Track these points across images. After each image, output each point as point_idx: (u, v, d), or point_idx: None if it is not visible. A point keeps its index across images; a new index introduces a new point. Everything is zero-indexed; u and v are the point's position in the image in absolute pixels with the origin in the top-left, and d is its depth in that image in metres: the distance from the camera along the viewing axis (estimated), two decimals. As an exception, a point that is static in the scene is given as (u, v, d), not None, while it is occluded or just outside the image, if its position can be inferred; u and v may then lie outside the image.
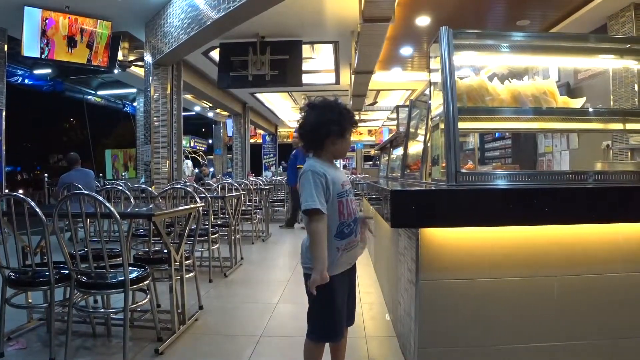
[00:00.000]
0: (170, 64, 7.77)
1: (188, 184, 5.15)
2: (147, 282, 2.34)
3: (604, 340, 1.87)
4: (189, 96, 12.14)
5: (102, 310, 2.71)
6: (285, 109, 15.45)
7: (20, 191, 13.07)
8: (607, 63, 2.86)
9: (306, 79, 8.27)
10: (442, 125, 1.99)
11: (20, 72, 10.43)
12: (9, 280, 2.28)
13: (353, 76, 7.98)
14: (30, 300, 2.60)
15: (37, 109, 21.95)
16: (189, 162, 14.17)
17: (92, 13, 7.18)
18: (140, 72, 8.89)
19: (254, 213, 5.83)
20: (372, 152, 18.04)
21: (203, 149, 20.09)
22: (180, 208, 2.86)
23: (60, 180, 5.53)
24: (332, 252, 1.65)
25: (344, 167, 18.61)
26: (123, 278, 2.16)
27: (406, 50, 7.66)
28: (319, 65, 9.24)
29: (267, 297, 3.45)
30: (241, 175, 14.00)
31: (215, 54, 8.25)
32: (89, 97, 13.17)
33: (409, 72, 9.15)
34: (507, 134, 7.39)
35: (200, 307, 3.03)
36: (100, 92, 13.17)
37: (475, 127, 2.42)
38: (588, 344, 1.86)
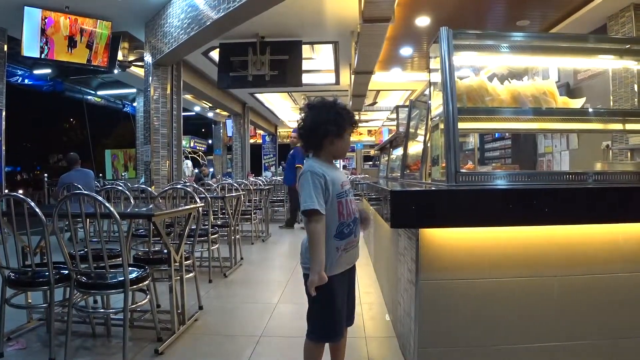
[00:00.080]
0: (170, 64, 7.78)
1: (188, 184, 5.14)
2: (146, 282, 2.34)
3: (604, 340, 1.87)
4: (188, 96, 12.14)
5: (102, 310, 2.71)
6: (285, 109, 15.46)
7: (20, 191, 13.10)
8: (606, 63, 2.85)
9: (306, 79, 8.28)
10: (441, 126, 1.99)
11: (20, 72, 10.43)
12: (8, 280, 2.28)
13: (353, 76, 7.98)
14: (30, 301, 2.60)
15: (37, 109, 22.00)
16: (189, 163, 14.18)
17: (92, 13, 7.18)
18: (140, 72, 8.89)
19: (254, 213, 5.82)
20: (372, 152, 18.00)
21: (203, 149, 20.09)
22: (180, 208, 2.86)
23: (60, 180, 5.54)
24: (331, 252, 1.66)
25: (344, 167, 18.60)
26: (123, 278, 2.16)
27: (406, 51, 7.66)
28: (318, 65, 9.25)
29: (266, 297, 3.45)
30: (241, 176, 14.00)
31: (215, 54, 8.25)
32: (89, 97, 13.17)
33: (408, 73, 9.15)
34: (507, 134, 7.39)
35: (200, 308, 3.03)
36: (100, 92, 13.16)
37: (475, 128, 2.42)
38: (588, 344, 1.86)
